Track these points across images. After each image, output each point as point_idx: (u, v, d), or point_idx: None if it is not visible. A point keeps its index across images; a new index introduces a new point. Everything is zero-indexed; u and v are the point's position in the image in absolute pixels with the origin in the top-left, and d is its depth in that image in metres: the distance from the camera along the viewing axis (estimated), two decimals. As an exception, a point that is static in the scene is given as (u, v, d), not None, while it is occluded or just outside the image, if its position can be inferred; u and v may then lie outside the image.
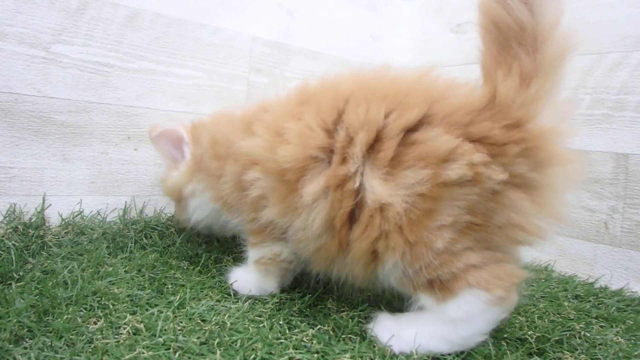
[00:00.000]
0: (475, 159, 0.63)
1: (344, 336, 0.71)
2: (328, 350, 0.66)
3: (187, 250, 1.04)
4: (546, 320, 0.82)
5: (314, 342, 0.68)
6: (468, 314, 0.66)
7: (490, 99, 0.65)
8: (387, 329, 0.70)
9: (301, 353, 0.64)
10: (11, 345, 0.59)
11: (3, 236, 0.92)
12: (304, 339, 0.69)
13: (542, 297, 0.94)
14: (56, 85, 1.03)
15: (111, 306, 0.73)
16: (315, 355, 0.64)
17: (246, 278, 0.86)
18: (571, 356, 0.70)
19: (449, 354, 0.67)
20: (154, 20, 1.14)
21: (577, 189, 0.69)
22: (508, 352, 0.69)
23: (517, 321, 0.80)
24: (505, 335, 0.74)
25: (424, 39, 1.50)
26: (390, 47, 1.56)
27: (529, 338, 0.73)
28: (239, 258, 1.02)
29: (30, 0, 0.99)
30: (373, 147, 0.67)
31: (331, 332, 0.72)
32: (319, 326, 0.73)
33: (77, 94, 1.05)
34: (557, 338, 0.73)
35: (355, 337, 0.71)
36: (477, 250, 0.66)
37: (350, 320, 0.76)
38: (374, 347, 0.68)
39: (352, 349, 0.67)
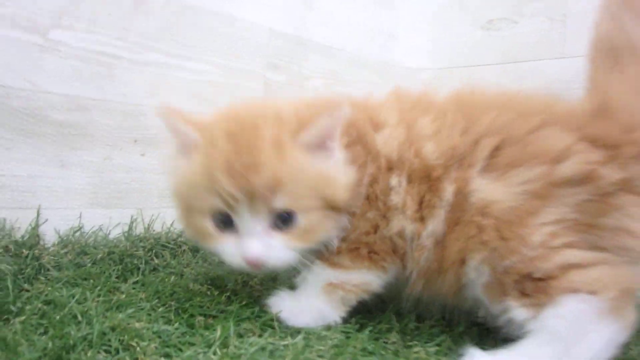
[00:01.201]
0: (592, 158, 0.61)
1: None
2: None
3: (207, 272, 0.90)
4: None
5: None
6: (575, 327, 0.57)
7: (601, 106, 0.65)
8: None
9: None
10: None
11: (-7, 260, 0.76)
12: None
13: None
14: (54, 78, 0.88)
15: (138, 348, 0.59)
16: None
17: (302, 305, 0.72)
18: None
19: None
20: (164, 7, 0.99)
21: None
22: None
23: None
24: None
25: (449, 37, 1.41)
26: (411, 46, 1.46)
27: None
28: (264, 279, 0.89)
29: (25, -21, 0.83)
30: (496, 151, 0.64)
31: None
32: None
33: (77, 88, 0.90)
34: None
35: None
36: (582, 248, 0.60)
37: (428, 357, 0.64)
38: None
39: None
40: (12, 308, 0.65)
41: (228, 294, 0.81)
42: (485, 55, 1.32)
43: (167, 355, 0.59)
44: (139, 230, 0.99)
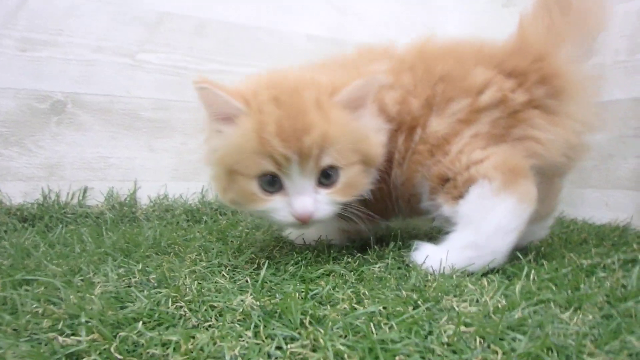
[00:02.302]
0: (505, 86, 0.75)
1: (380, 260, 0.75)
2: (363, 268, 0.71)
3: (254, 220, 1.14)
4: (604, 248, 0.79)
5: (352, 263, 0.74)
6: (480, 207, 0.70)
7: (518, 43, 0.79)
8: (423, 253, 0.73)
9: (337, 267, 0.70)
10: (97, 265, 0.72)
11: (104, 210, 1.10)
12: (343, 261, 0.75)
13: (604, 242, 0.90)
14: (143, 87, 1.22)
15: (182, 250, 0.85)
16: (351, 271, 0.69)
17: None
18: (623, 277, 0.65)
19: (484, 270, 0.69)
20: (218, 28, 1.30)
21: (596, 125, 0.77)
22: (545, 264, 0.69)
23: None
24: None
25: (477, 20, 1.53)
26: (445, 32, 1.60)
27: (584, 264, 0.71)
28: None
29: (119, 19, 1.19)
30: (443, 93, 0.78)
31: (370, 259, 0.77)
32: (358, 254, 0.78)
33: (160, 93, 1.24)
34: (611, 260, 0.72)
35: (389, 261, 0.74)
36: (485, 148, 0.73)
37: (391, 252, 0.80)
38: (407, 265, 0.72)
39: (384, 263, 0.72)
40: (109, 233, 0.96)
41: (264, 229, 1.05)
42: (509, 30, 1.41)
43: (199, 253, 0.84)
44: (210, 197, 1.29)
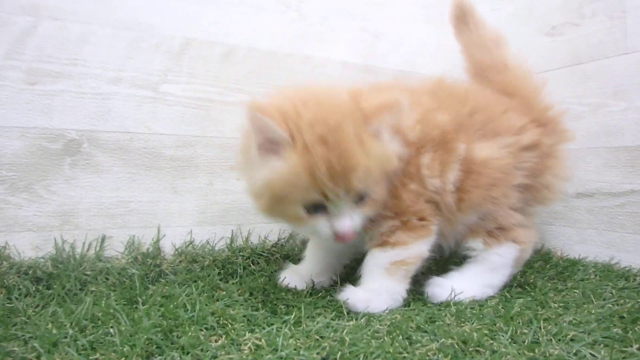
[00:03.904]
0: (537, 132, 0.95)
1: (470, 349, 0.66)
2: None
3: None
4: None
5: (440, 355, 0.64)
6: (504, 262, 0.93)
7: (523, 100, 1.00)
8: (446, 287, 0.89)
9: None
10: (144, 360, 0.60)
11: (126, 265, 0.97)
12: (429, 353, 0.65)
13: None
14: (164, 122, 1.10)
15: (230, 325, 0.74)
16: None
17: (371, 291, 0.85)
18: None
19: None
20: (247, 55, 1.19)
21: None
22: None
23: None
24: None
25: (516, 47, 1.43)
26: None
27: None
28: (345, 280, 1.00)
29: (139, 47, 1.07)
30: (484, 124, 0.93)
31: (456, 346, 0.67)
32: (442, 340, 0.68)
33: (183, 129, 1.12)
34: None
35: (483, 350, 0.66)
36: (522, 212, 0.94)
37: (475, 332, 0.70)
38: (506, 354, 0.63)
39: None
40: (139, 299, 0.84)
41: (309, 290, 0.94)
42: (552, 60, 1.32)
43: (251, 330, 0.72)
44: (239, 242, 1.17)
